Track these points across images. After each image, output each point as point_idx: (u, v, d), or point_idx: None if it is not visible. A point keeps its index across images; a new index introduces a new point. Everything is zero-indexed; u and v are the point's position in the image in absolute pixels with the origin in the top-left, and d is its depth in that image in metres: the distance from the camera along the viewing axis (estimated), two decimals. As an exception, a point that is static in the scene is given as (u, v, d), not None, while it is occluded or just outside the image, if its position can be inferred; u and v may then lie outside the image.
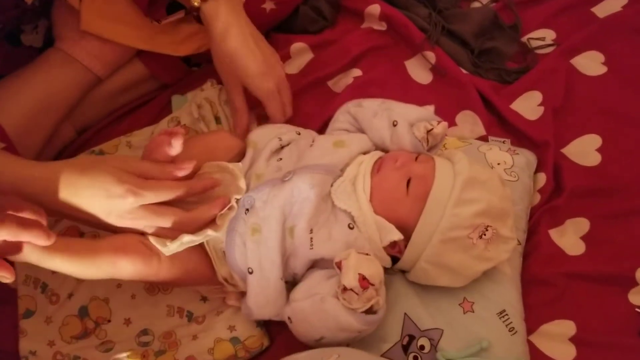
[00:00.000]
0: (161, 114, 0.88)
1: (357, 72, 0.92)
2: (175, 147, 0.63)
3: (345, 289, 0.60)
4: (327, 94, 0.91)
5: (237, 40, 0.75)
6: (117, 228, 0.61)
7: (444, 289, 0.69)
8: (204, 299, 0.74)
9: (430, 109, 0.87)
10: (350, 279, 0.60)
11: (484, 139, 0.86)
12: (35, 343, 0.72)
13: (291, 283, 0.68)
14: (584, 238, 0.79)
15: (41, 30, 0.84)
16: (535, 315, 0.72)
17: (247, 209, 0.66)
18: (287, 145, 0.74)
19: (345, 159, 0.70)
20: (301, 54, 0.94)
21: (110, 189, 0.58)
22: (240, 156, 0.73)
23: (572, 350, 0.71)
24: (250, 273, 0.66)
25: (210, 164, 0.69)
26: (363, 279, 0.60)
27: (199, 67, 0.93)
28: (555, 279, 0.75)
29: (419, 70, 0.93)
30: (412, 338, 0.67)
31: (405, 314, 0.68)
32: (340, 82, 0.92)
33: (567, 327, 0.72)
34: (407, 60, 0.94)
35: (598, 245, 0.78)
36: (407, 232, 0.66)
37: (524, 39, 0.97)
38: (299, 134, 0.77)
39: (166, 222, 0.61)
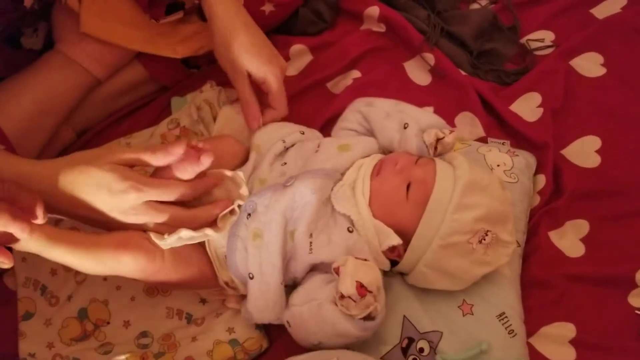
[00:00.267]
0: (161, 115, 0.88)
1: (356, 73, 0.92)
2: (205, 164, 0.61)
3: (342, 296, 0.60)
4: (326, 95, 0.91)
5: (242, 27, 0.74)
6: (120, 225, 0.61)
7: (443, 291, 0.69)
8: (203, 301, 0.74)
9: (429, 111, 0.87)
10: (347, 287, 0.59)
11: (483, 140, 0.86)
12: (34, 345, 0.71)
13: (291, 286, 0.68)
14: (583, 240, 0.79)
15: (41, 33, 0.84)
16: (535, 317, 0.72)
17: (249, 214, 0.66)
18: (292, 146, 0.74)
19: (348, 162, 0.70)
20: (300, 55, 0.94)
21: (113, 185, 0.58)
22: (245, 161, 0.73)
23: (572, 353, 0.71)
24: (251, 278, 0.65)
25: (212, 172, 0.68)
26: (361, 286, 0.59)
27: (199, 69, 0.92)
28: (555, 281, 0.75)
29: (417, 72, 0.93)
30: (411, 340, 0.67)
31: (404, 316, 0.68)
32: (340, 84, 0.92)
33: (567, 330, 0.72)
34: (406, 61, 0.94)
35: (598, 247, 0.78)
36: (406, 236, 0.66)
37: (523, 40, 0.97)
38: (303, 133, 0.76)
39: (167, 219, 0.61)
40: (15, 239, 0.53)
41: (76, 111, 0.84)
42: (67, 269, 0.75)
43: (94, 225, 0.64)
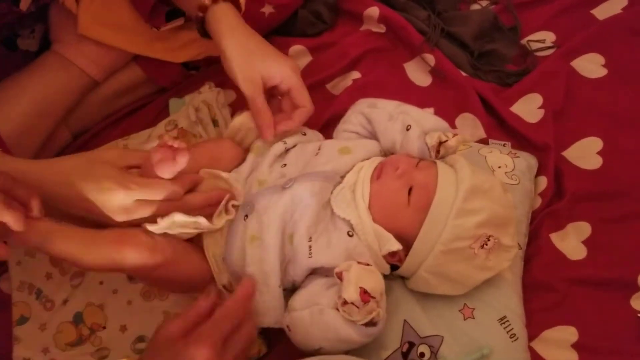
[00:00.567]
0: (158, 117, 0.88)
1: (356, 74, 0.92)
2: (181, 163, 0.61)
3: (345, 302, 0.59)
4: (326, 96, 0.90)
5: (250, 37, 0.73)
6: (114, 224, 0.61)
7: (444, 295, 0.68)
8: (201, 305, 0.73)
9: (430, 112, 0.86)
10: (351, 293, 0.59)
11: (484, 142, 0.85)
12: (29, 350, 0.71)
13: (290, 290, 0.67)
14: (585, 242, 0.78)
15: (37, 34, 0.84)
16: (536, 321, 0.72)
17: (246, 215, 0.65)
18: (293, 147, 0.73)
19: (349, 165, 0.69)
20: (300, 56, 0.94)
21: (103, 183, 0.58)
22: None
23: (574, 357, 0.70)
24: None
25: (205, 171, 0.68)
26: (364, 292, 0.59)
27: (197, 71, 0.92)
28: (556, 284, 0.74)
29: (418, 73, 0.93)
30: (412, 345, 0.66)
31: (405, 320, 0.68)
32: (339, 85, 0.92)
33: (569, 333, 0.72)
34: (406, 62, 0.94)
35: (600, 249, 0.77)
36: (407, 241, 0.65)
37: (524, 41, 0.97)
38: (305, 134, 0.76)
39: (158, 211, 0.61)
40: (11, 232, 0.52)
41: (73, 112, 0.84)
42: (62, 272, 0.75)
43: (88, 227, 0.63)
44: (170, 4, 0.78)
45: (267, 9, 0.92)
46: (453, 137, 0.69)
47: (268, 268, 0.64)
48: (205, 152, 0.71)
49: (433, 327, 0.67)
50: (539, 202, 0.80)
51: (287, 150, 0.73)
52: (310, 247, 0.64)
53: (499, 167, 0.78)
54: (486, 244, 0.64)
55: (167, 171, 0.61)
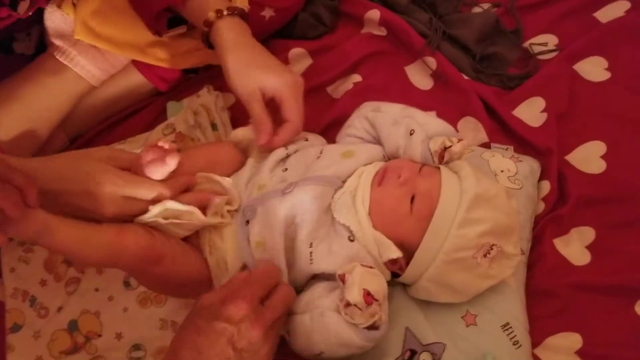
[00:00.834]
0: (156, 120, 0.87)
1: (356, 77, 0.91)
2: (170, 165, 0.61)
3: (348, 304, 0.58)
4: (327, 100, 0.90)
5: (252, 49, 0.73)
6: (105, 220, 0.60)
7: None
8: (199, 311, 0.72)
9: (432, 115, 0.85)
10: (354, 295, 0.58)
11: (486, 145, 0.85)
12: (23, 358, 0.70)
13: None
14: (589, 247, 0.77)
15: (33, 37, 0.84)
16: (540, 327, 0.71)
17: (248, 221, 0.65)
18: (294, 153, 0.72)
19: (351, 170, 0.68)
20: (300, 59, 0.94)
21: (92, 178, 0.58)
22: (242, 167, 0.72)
23: (578, 364, 0.69)
24: None
25: (200, 175, 0.68)
26: (367, 294, 0.58)
27: (196, 74, 0.91)
28: (560, 290, 0.74)
29: (419, 76, 0.92)
30: (413, 353, 0.66)
31: (406, 327, 0.67)
32: (340, 88, 0.91)
33: (573, 340, 0.71)
34: (407, 65, 0.93)
35: (604, 255, 0.76)
36: (408, 250, 0.64)
37: (526, 44, 0.96)
38: (307, 140, 0.75)
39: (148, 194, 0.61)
40: (8, 220, 0.51)
41: (69, 116, 0.83)
42: (57, 279, 0.74)
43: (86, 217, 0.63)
44: (173, 12, 0.78)
45: (268, 12, 0.92)
46: (458, 142, 0.67)
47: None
48: (203, 155, 0.71)
49: (435, 335, 0.66)
50: (542, 206, 0.79)
51: (288, 156, 0.72)
52: (310, 253, 0.63)
53: (502, 171, 0.78)
54: (489, 253, 0.63)
55: (156, 172, 0.61)
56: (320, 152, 0.71)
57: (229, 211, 0.66)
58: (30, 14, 0.73)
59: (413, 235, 0.64)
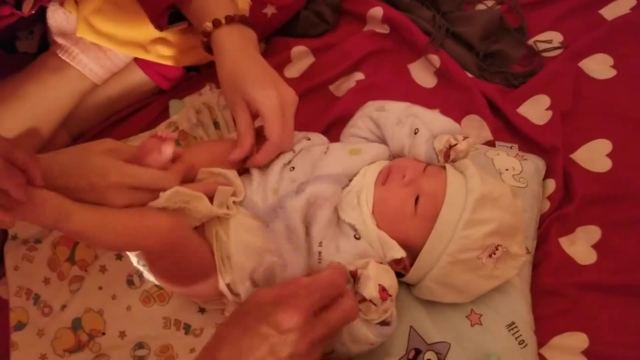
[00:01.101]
0: (158, 119, 0.87)
1: (359, 75, 0.91)
2: (166, 153, 0.61)
3: (363, 299, 0.58)
4: (329, 98, 0.89)
5: (249, 59, 0.70)
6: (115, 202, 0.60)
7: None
8: (202, 310, 0.72)
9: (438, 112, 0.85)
10: (371, 290, 0.58)
11: (490, 144, 0.84)
12: (26, 356, 0.70)
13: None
14: (595, 246, 0.77)
15: (36, 35, 0.84)
16: (545, 327, 0.70)
17: (267, 224, 0.64)
18: (299, 152, 0.71)
19: (358, 167, 0.68)
20: (302, 57, 0.93)
21: (97, 170, 0.58)
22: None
23: (584, 364, 0.69)
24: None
25: (203, 170, 0.67)
26: (383, 290, 0.58)
27: (198, 72, 0.91)
28: (566, 290, 0.73)
29: (423, 74, 0.92)
30: (418, 352, 0.65)
31: (411, 326, 0.66)
32: (342, 86, 0.91)
33: (579, 340, 0.70)
34: (410, 63, 0.93)
35: (610, 254, 0.76)
36: (412, 250, 0.64)
37: (531, 41, 0.96)
38: (309, 139, 0.74)
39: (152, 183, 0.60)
40: (20, 205, 0.50)
41: (72, 114, 0.82)
42: (61, 277, 0.74)
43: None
44: (175, 7, 0.77)
45: (270, 10, 0.91)
46: (463, 139, 0.66)
47: (297, 272, 0.62)
48: (206, 151, 0.70)
49: (439, 334, 0.66)
50: (547, 205, 0.79)
51: (294, 155, 0.72)
52: (319, 252, 0.62)
53: (507, 169, 0.77)
54: (494, 254, 0.63)
55: (154, 162, 0.61)
56: (327, 149, 0.70)
57: (234, 202, 0.65)
58: (33, 12, 0.73)
59: (417, 236, 0.63)
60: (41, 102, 0.78)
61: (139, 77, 0.86)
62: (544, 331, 0.70)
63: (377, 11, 0.94)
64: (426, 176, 0.65)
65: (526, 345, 0.66)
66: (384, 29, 0.95)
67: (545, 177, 0.81)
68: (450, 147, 0.66)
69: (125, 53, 0.82)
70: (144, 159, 0.61)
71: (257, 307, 0.53)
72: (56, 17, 0.80)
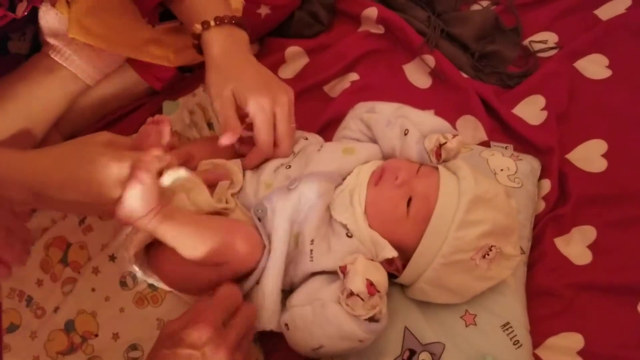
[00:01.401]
0: (152, 120, 0.86)
1: (354, 76, 0.91)
2: (165, 132, 0.61)
3: (350, 294, 0.58)
4: (324, 99, 0.89)
5: (237, 60, 0.70)
6: (110, 207, 0.59)
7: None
8: (196, 312, 0.72)
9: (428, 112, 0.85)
10: (358, 284, 0.58)
11: (485, 144, 0.84)
12: (19, 359, 0.69)
13: (287, 292, 0.65)
14: (590, 247, 0.77)
15: (28, 36, 0.83)
16: (541, 327, 0.70)
17: (259, 219, 0.64)
18: (298, 154, 0.72)
19: (352, 166, 0.68)
20: (296, 58, 0.93)
21: (96, 160, 0.57)
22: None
23: (580, 364, 0.69)
24: (257, 283, 0.63)
25: (204, 162, 0.67)
26: (370, 284, 0.58)
27: (191, 73, 0.91)
28: (561, 290, 0.73)
29: (417, 75, 0.92)
30: (412, 353, 0.65)
31: (405, 327, 0.66)
32: (337, 87, 0.91)
33: (574, 340, 0.70)
34: (405, 64, 0.93)
35: (605, 254, 0.76)
36: (405, 252, 0.64)
37: (526, 42, 0.96)
38: (307, 139, 0.74)
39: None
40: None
41: (64, 115, 0.82)
42: (54, 279, 0.73)
43: (85, 213, 0.64)
44: (164, 6, 0.77)
45: (264, 10, 0.91)
46: (453, 138, 0.66)
47: (275, 271, 0.62)
48: (204, 146, 0.70)
49: (434, 334, 0.66)
50: (542, 206, 0.79)
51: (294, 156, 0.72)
52: (311, 251, 0.62)
53: (501, 170, 0.77)
54: (488, 254, 0.62)
55: (155, 142, 0.61)
56: (321, 147, 0.70)
57: (232, 194, 0.65)
58: (25, 14, 0.72)
59: (410, 238, 0.63)
60: (33, 103, 0.78)
61: (131, 77, 0.86)
62: (539, 331, 0.70)
63: (372, 12, 0.94)
64: (419, 178, 0.65)
65: (521, 345, 0.66)
66: (379, 30, 0.95)
67: (541, 177, 0.81)
68: (441, 145, 0.66)
69: (118, 53, 0.82)
70: (143, 145, 0.61)
71: (169, 337, 0.55)
72: (48, 18, 0.79)
